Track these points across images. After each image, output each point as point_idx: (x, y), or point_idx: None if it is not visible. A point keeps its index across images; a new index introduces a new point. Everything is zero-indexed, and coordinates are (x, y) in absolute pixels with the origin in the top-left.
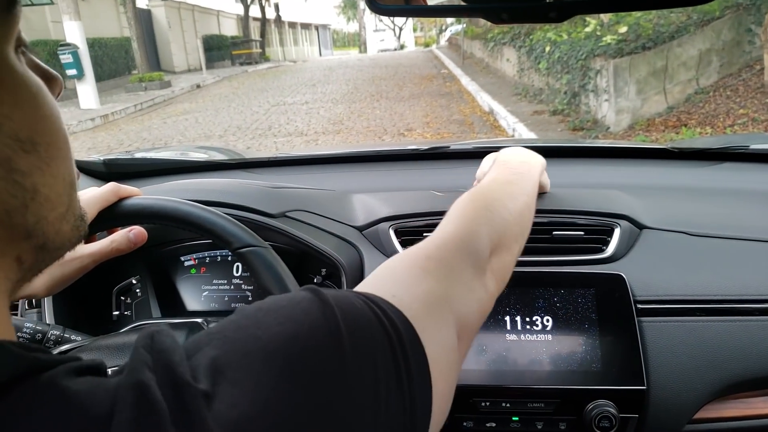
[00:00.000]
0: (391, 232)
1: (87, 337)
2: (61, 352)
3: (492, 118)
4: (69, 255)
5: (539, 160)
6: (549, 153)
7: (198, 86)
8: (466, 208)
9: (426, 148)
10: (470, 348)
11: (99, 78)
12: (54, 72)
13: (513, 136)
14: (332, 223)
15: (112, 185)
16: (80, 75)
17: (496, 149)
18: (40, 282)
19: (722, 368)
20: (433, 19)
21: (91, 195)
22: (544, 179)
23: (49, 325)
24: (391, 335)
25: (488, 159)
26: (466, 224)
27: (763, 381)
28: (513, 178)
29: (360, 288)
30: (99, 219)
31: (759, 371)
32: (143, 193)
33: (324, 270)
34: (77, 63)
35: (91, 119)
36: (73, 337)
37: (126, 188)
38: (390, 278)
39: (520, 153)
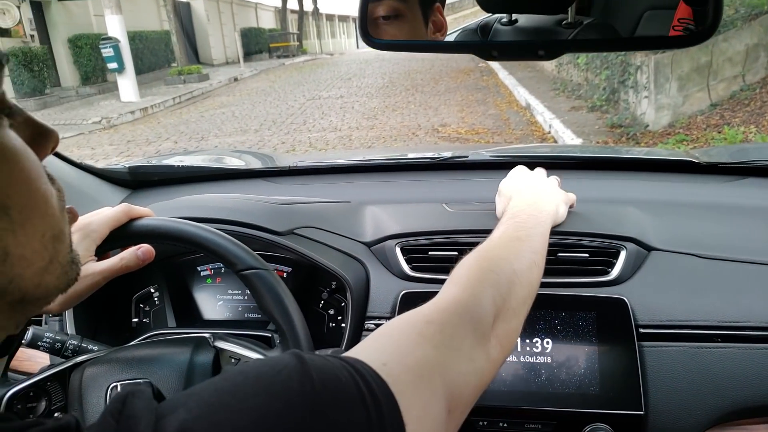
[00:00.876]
0: (398, 250)
1: (103, 347)
2: (77, 363)
3: (528, 114)
4: (81, 272)
5: (549, 210)
6: (567, 165)
7: (235, 79)
8: (471, 269)
9: (445, 156)
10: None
11: (139, 71)
12: (47, 127)
13: (549, 132)
14: (340, 239)
15: (124, 206)
16: (121, 68)
17: (514, 159)
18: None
19: (724, 395)
20: None
21: (104, 215)
22: (561, 212)
23: (68, 335)
24: (371, 415)
25: (504, 191)
26: (470, 288)
27: (765, 409)
28: (521, 234)
29: (356, 350)
30: (110, 238)
31: (761, 399)
32: (154, 213)
33: (334, 283)
34: (118, 56)
35: (131, 112)
36: (90, 347)
37: (137, 209)
38: (387, 342)
39: (530, 203)
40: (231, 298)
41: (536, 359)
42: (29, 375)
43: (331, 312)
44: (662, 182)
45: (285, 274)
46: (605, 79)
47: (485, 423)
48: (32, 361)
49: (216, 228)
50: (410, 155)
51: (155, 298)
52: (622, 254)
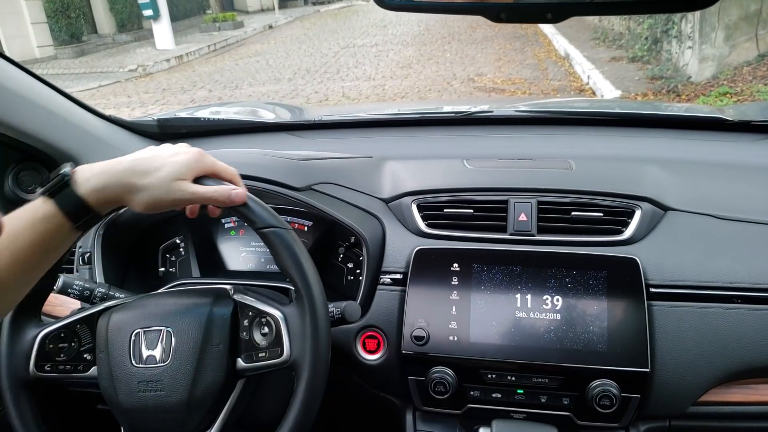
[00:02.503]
0: (414, 207)
1: (130, 295)
2: (104, 309)
3: (567, 64)
4: (179, 189)
5: None
6: (593, 121)
7: (270, 27)
8: None
9: (470, 111)
10: (477, 323)
11: (174, 18)
12: None
13: (587, 83)
14: (358, 195)
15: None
16: (156, 15)
17: (539, 115)
18: (141, 199)
19: (731, 356)
20: None
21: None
22: None
23: (96, 283)
24: None
25: None
26: None
27: None
28: None
29: None
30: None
31: None
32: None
33: (352, 238)
34: (153, 3)
35: (166, 60)
36: (117, 294)
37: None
38: None
39: None
40: (254, 249)
41: (546, 316)
42: (61, 319)
43: (350, 265)
44: (689, 140)
45: (306, 228)
46: (648, 29)
47: (494, 376)
48: (65, 306)
49: None
50: (439, 109)
51: (181, 249)
52: (637, 214)
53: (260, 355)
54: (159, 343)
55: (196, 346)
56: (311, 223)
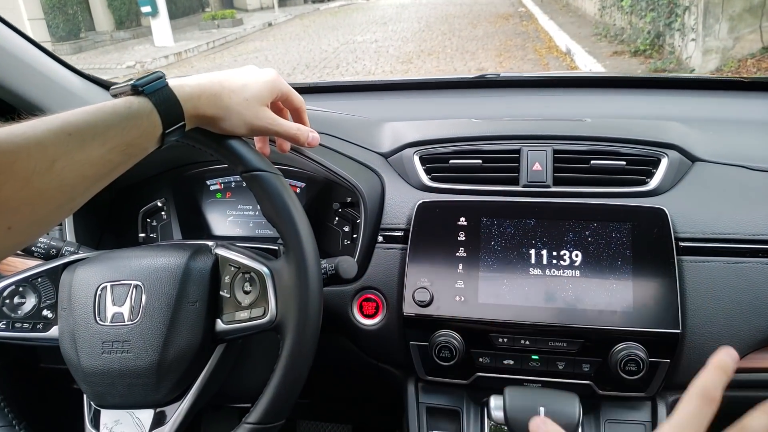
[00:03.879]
0: (416, 159)
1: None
2: (69, 262)
3: (569, 59)
4: (266, 116)
5: None
6: (608, 82)
7: (270, 24)
8: None
9: (478, 76)
10: (486, 282)
11: (172, 15)
12: None
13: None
14: (356, 149)
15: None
16: (154, 12)
17: (550, 80)
18: (232, 121)
19: None
20: None
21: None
22: None
23: (64, 241)
24: None
25: None
26: None
27: None
28: None
29: None
30: None
31: None
32: None
33: (349, 198)
34: (152, 0)
35: (164, 56)
36: (87, 254)
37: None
38: None
39: None
40: (241, 213)
41: (563, 273)
42: (20, 271)
43: (346, 229)
44: (710, 99)
45: (298, 190)
46: (650, 22)
47: (505, 340)
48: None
49: None
50: (439, 76)
51: (162, 213)
52: (663, 162)
53: (242, 315)
54: (127, 299)
55: (169, 303)
56: (304, 184)
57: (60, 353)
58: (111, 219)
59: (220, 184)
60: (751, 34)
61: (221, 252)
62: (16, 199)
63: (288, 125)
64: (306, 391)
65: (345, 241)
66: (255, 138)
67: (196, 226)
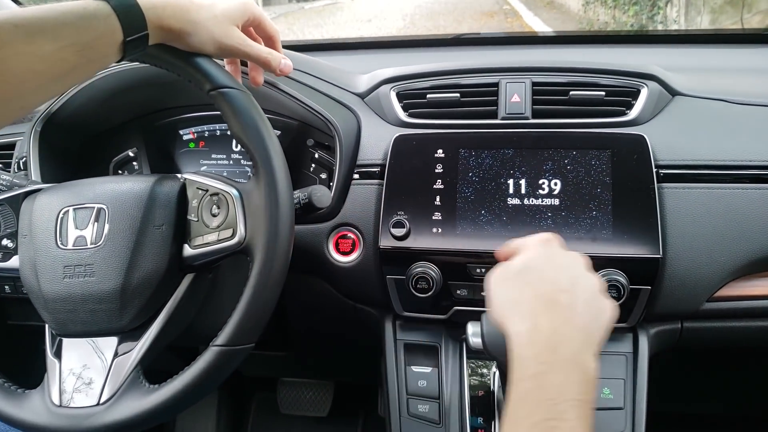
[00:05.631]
0: (393, 95)
1: None
2: (32, 191)
3: None
4: (236, 35)
5: (604, 319)
6: (591, 39)
7: None
8: None
9: (459, 34)
10: (464, 213)
11: None
12: None
13: None
14: (332, 88)
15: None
16: None
17: (531, 38)
18: (201, 37)
19: (752, 240)
20: None
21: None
22: (607, 323)
23: (29, 180)
24: None
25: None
26: None
27: None
28: (543, 397)
29: None
30: None
31: None
32: None
33: (327, 142)
34: None
35: None
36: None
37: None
38: None
39: (548, 345)
40: (215, 163)
41: (542, 201)
42: None
43: (323, 176)
44: (689, 50)
45: None
46: (633, 16)
47: (483, 270)
48: None
49: None
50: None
51: (134, 163)
52: (643, 92)
53: (210, 237)
54: (90, 223)
55: (134, 226)
56: (279, 132)
57: (30, 307)
58: (81, 170)
59: (194, 133)
60: (732, 26)
61: (189, 176)
62: None
63: (260, 48)
64: (283, 343)
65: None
66: (226, 63)
67: None
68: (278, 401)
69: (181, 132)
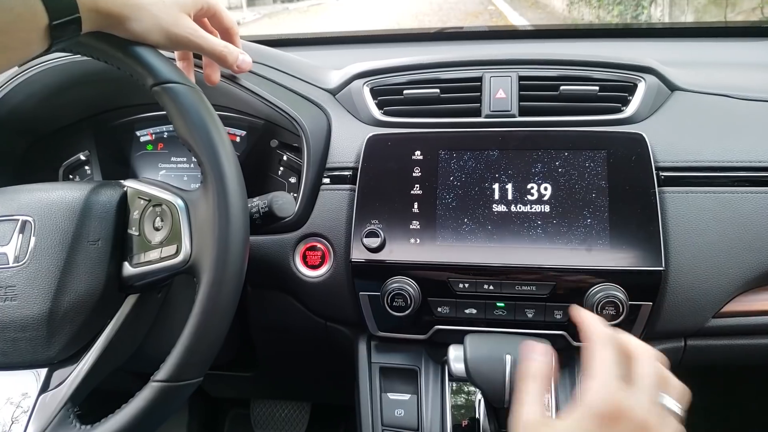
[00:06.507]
0: (366, 91)
1: None
2: None
3: None
4: (187, 24)
5: None
6: (582, 33)
7: (238, 23)
8: None
9: (441, 28)
10: (445, 221)
11: None
12: None
13: None
14: (299, 83)
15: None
16: None
17: (517, 32)
18: (146, 23)
19: (762, 250)
20: None
21: None
22: None
23: None
24: None
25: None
26: None
27: None
28: None
29: None
30: None
31: None
32: None
33: (296, 144)
34: None
35: None
36: None
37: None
38: None
39: None
40: (175, 166)
41: (530, 208)
42: None
43: (292, 180)
44: (685, 44)
45: (238, 138)
46: (618, 15)
47: (466, 285)
48: None
49: None
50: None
51: (86, 168)
52: (641, 87)
53: (152, 255)
54: (14, 238)
55: (64, 242)
56: (244, 132)
57: None
58: (24, 175)
59: (151, 134)
60: None
61: (131, 184)
62: None
63: (214, 40)
64: (251, 363)
65: (292, 194)
66: (177, 59)
67: None
68: (251, 420)
69: (137, 133)
